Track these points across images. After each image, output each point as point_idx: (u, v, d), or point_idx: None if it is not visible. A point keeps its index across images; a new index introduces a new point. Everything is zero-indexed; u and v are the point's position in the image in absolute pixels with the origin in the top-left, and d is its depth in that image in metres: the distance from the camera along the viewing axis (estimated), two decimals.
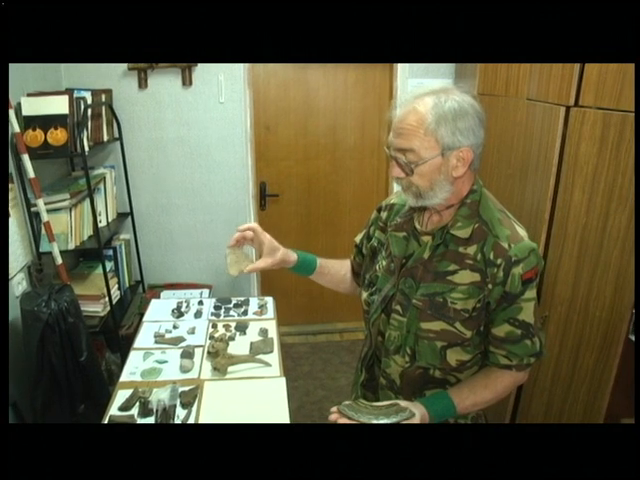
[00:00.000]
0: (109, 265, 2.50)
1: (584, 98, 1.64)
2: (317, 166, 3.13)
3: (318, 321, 3.47)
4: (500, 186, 2.14)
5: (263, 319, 2.02)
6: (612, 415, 1.65)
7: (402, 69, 2.82)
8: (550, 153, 1.77)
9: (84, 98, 2.14)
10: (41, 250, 2.10)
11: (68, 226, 2.15)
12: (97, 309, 2.25)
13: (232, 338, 1.86)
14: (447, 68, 2.81)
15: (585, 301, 1.70)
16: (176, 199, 2.84)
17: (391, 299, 1.13)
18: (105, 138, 2.44)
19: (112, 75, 2.56)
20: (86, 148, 2.15)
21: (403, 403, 1.05)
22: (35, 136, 2.00)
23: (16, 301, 1.90)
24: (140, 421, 1.43)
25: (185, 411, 1.47)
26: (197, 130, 2.73)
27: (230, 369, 1.65)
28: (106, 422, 1.42)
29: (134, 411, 1.47)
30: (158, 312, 2.08)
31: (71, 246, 2.17)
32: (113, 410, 1.47)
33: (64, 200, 2.13)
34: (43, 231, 2.05)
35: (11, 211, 1.92)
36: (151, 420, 1.43)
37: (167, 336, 1.88)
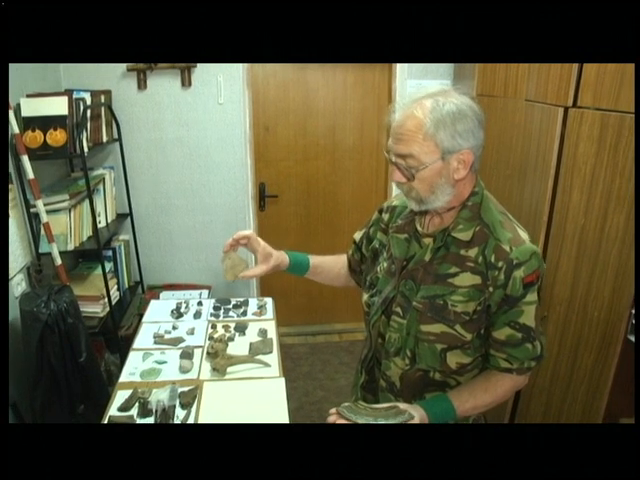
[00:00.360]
0: (108, 266, 2.50)
1: (582, 99, 1.64)
2: (316, 167, 3.14)
3: (317, 322, 3.47)
4: (499, 187, 2.14)
5: (262, 320, 2.02)
6: (611, 415, 1.65)
7: (401, 70, 2.82)
8: (548, 154, 1.77)
9: (83, 99, 2.14)
10: (40, 251, 2.10)
11: (67, 227, 2.15)
12: (96, 310, 2.25)
13: (231, 339, 1.86)
14: (446, 69, 2.81)
15: (584, 301, 1.71)
16: (175, 200, 2.84)
17: (391, 301, 1.13)
18: (104, 139, 2.44)
19: (111, 76, 2.56)
20: (85, 149, 2.15)
21: (402, 405, 1.05)
22: (34, 137, 2.00)
23: (15, 302, 1.90)
24: (139, 421, 1.42)
25: (184, 411, 1.47)
26: (196, 131, 2.73)
27: (229, 369, 1.65)
28: (105, 422, 1.42)
29: (133, 411, 1.47)
30: (157, 313, 2.08)
31: (70, 247, 2.17)
32: (112, 410, 1.47)
33: (63, 201, 2.13)
34: (42, 232, 2.04)
35: (10, 212, 1.91)
36: (150, 420, 1.43)
37: (166, 337, 1.88)
